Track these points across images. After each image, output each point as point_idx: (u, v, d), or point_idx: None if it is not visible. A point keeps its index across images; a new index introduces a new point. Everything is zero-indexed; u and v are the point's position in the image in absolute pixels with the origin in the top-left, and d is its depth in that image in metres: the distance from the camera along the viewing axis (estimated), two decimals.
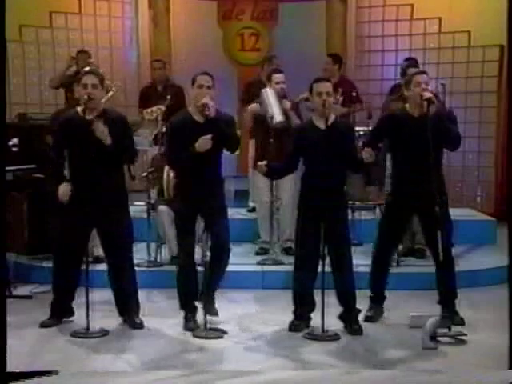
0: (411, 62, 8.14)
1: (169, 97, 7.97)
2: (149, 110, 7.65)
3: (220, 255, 5.57)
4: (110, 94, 7.68)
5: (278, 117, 7.10)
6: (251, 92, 8.11)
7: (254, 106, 7.46)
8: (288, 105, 7.26)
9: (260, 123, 7.31)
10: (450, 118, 5.67)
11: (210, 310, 5.58)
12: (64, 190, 5.49)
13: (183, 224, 5.64)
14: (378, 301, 5.88)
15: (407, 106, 5.69)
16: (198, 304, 5.57)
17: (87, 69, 6.93)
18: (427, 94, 5.44)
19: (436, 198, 5.34)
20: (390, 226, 5.81)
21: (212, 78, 5.61)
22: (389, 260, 5.92)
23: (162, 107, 7.67)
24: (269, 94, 7.20)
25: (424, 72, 5.83)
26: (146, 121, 7.94)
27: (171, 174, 6.98)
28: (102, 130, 5.36)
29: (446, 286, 5.65)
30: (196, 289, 5.63)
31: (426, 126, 5.31)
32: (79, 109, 5.56)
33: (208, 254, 5.58)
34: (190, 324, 5.57)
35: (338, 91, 8.01)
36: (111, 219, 5.54)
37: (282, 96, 7.31)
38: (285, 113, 7.18)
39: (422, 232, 6.11)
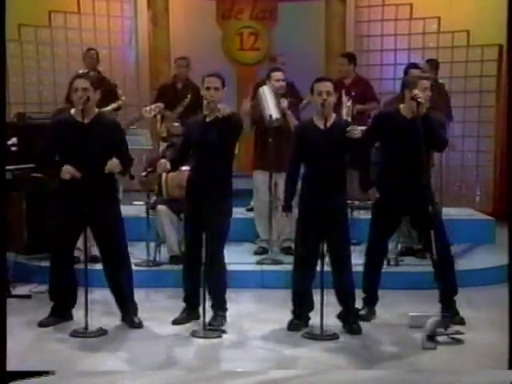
0: (429, 61, 8.27)
1: (189, 96, 8.02)
2: (147, 108, 7.62)
3: (210, 261, 5.55)
4: (120, 102, 7.72)
5: (275, 114, 7.08)
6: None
7: (244, 107, 7.40)
8: (286, 103, 7.24)
9: (259, 123, 7.30)
10: (436, 122, 5.68)
11: (219, 321, 5.57)
12: (66, 169, 5.40)
13: (187, 219, 5.75)
14: (370, 302, 5.88)
15: (401, 106, 5.70)
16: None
17: (80, 71, 6.95)
18: (415, 92, 5.47)
19: (428, 198, 5.36)
20: (378, 226, 5.81)
21: (220, 78, 5.62)
22: (379, 261, 5.90)
23: (161, 105, 7.66)
24: (265, 92, 7.19)
25: (427, 77, 5.89)
26: (144, 118, 7.95)
27: (170, 174, 6.99)
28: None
29: (446, 283, 5.66)
30: (196, 285, 5.63)
31: (416, 127, 5.35)
32: (73, 112, 5.57)
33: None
34: (178, 317, 5.68)
35: (350, 92, 7.97)
36: (103, 219, 5.54)
37: (281, 93, 7.30)
38: (282, 112, 7.16)
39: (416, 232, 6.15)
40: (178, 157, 5.85)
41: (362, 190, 5.90)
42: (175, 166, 5.91)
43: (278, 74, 7.39)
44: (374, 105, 8.56)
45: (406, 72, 7.85)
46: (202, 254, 5.59)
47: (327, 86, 5.47)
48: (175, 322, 5.68)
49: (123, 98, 7.93)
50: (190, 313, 5.70)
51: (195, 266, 5.64)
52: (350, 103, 7.76)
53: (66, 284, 5.67)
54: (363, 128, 7.04)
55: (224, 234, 5.63)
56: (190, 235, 5.71)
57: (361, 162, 5.70)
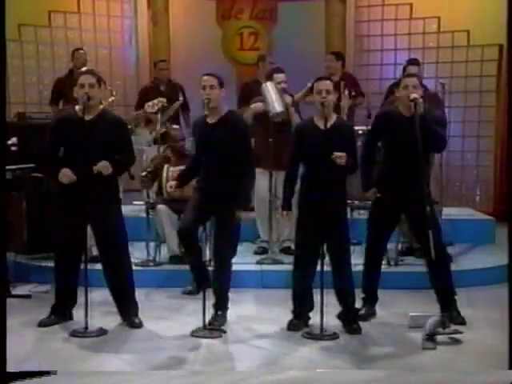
0: (411, 61, 8.21)
1: (181, 98, 8.10)
2: (150, 102, 7.64)
3: (218, 261, 5.62)
4: (111, 99, 7.72)
5: (278, 107, 7.07)
6: (248, 92, 8.12)
7: (258, 106, 7.40)
8: (289, 99, 7.27)
9: (259, 122, 7.29)
10: (436, 119, 5.68)
11: (219, 321, 5.58)
12: (65, 172, 5.40)
13: (187, 210, 5.65)
14: (369, 301, 5.88)
15: (400, 105, 5.72)
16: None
17: (84, 69, 6.94)
18: (413, 95, 5.49)
19: (425, 198, 5.37)
20: (376, 225, 5.82)
21: (215, 77, 5.63)
22: (378, 259, 5.90)
23: (164, 99, 7.67)
24: (269, 88, 7.19)
25: (414, 75, 5.89)
26: (144, 117, 7.95)
27: (170, 174, 6.99)
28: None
29: (442, 285, 5.67)
30: (198, 252, 5.64)
31: (413, 126, 5.37)
32: (77, 108, 5.55)
33: (207, 253, 5.61)
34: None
35: (342, 86, 8.06)
36: (104, 218, 5.53)
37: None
38: (285, 106, 7.17)
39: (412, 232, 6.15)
40: (191, 166, 5.84)
41: (364, 190, 5.90)
42: (187, 179, 5.87)
43: (280, 76, 7.38)
44: (361, 100, 8.68)
45: (404, 69, 7.87)
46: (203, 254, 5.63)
47: (327, 84, 5.48)
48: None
49: (114, 93, 7.89)
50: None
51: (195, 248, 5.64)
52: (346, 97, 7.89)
53: (69, 284, 5.67)
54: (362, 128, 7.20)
55: (236, 235, 5.65)
56: (187, 222, 5.62)
57: (362, 165, 5.76)
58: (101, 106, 5.62)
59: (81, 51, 8.89)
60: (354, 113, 8.59)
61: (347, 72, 9.04)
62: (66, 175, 5.39)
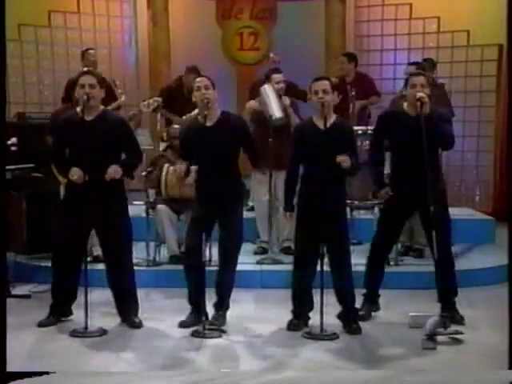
0: (427, 60, 8.33)
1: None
2: (145, 102, 7.62)
3: (223, 260, 5.61)
4: (122, 99, 7.73)
5: (278, 113, 7.08)
6: (256, 91, 8.13)
7: (252, 104, 7.44)
8: (288, 101, 7.27)
9: (258, 122, 7.29)
10: (442, 117, 5.69)
11: (220, 321, 5.57)
12: (75, 171, 5.38)
13: (192, 221, 5.70)
14: (370, 299, 5.89)
15: (405, 104, 5.72)
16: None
17: (85, 69, 6.95)
18: (419, 94, 5.49)
19: (430, 197, 5.37)
20: (385, 224, 5.82)
21: (208, 78, 5.65)
22: (383, 259, 5.92)
23: (159, 99, 7.66)
24: (267, 91, 7.20)
25: (421, 74, 5.88)
26: (143, 114, 7.95)
27: (170, 173, 6.99)
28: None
29: (445, 284, 5.66)
30: (200, 287, 5.51)
31: (419, 125, 5.37)
32: (78, 109, 5.55)
33: (207, 254, 5.60)
34: (185, 321, 5.58)
35: (352, 88, 8.16)
36: (110, 219, 5.53)
37: (280, 95, 7.31)
38: (284, 109, 7.18)
39: (422, 231, 6.15)
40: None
41: (377, 189, 5.90)
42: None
43: (278, 76, 7.41)
44: (375, 98, 8.79)
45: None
46: (204, 256, 5.56)
47: (324, 84, 5.48)
48: (182, 325, 5.59)
49: (123, 97, 7.91)
50: (197, 315, 5.55)
51: (197, 269, 5.57)
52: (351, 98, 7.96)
53: (68, 284, 5.65)
54: (364, 128, 7.25)
55: (240, 234, 5.64)
56: (193, 237, 5.62)
57: (371, 166, 5.84)
58: (101, 107, 5.61)
59: (91, 51, 8.85)
60: (365, 113, 8.61)
61: (360, 72, 9.07)
62: (78, 175, 5.36)
